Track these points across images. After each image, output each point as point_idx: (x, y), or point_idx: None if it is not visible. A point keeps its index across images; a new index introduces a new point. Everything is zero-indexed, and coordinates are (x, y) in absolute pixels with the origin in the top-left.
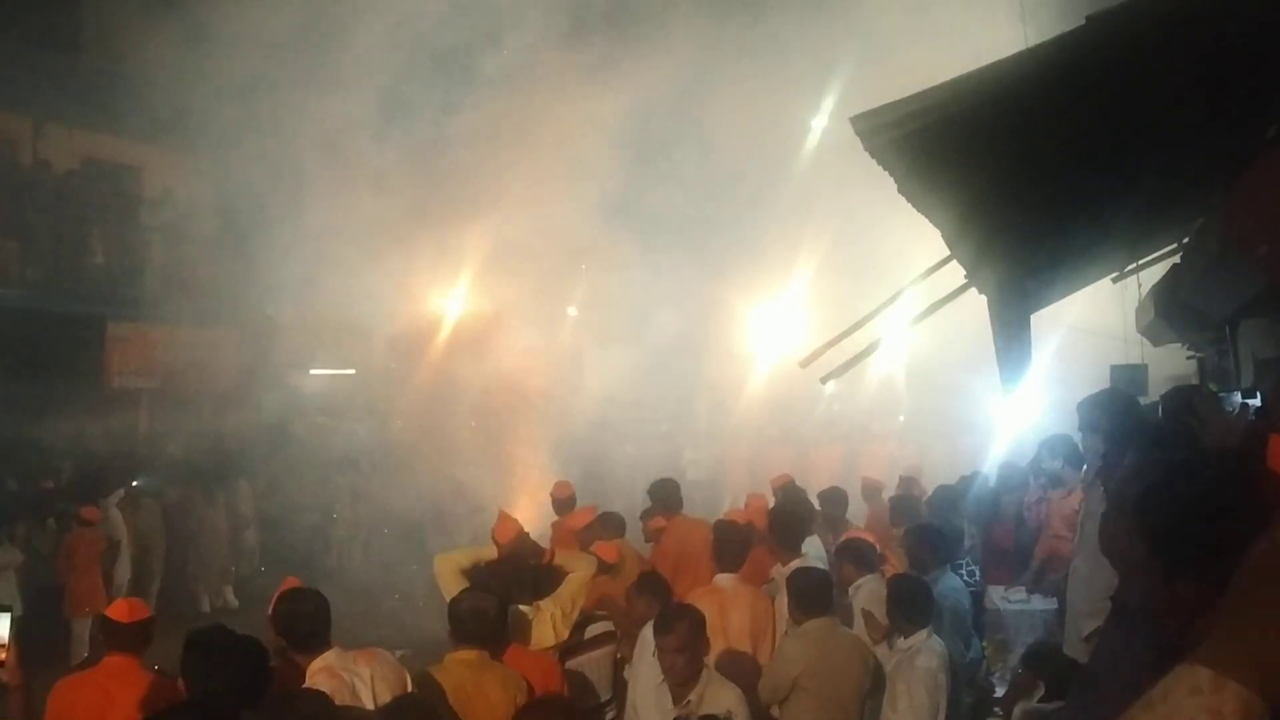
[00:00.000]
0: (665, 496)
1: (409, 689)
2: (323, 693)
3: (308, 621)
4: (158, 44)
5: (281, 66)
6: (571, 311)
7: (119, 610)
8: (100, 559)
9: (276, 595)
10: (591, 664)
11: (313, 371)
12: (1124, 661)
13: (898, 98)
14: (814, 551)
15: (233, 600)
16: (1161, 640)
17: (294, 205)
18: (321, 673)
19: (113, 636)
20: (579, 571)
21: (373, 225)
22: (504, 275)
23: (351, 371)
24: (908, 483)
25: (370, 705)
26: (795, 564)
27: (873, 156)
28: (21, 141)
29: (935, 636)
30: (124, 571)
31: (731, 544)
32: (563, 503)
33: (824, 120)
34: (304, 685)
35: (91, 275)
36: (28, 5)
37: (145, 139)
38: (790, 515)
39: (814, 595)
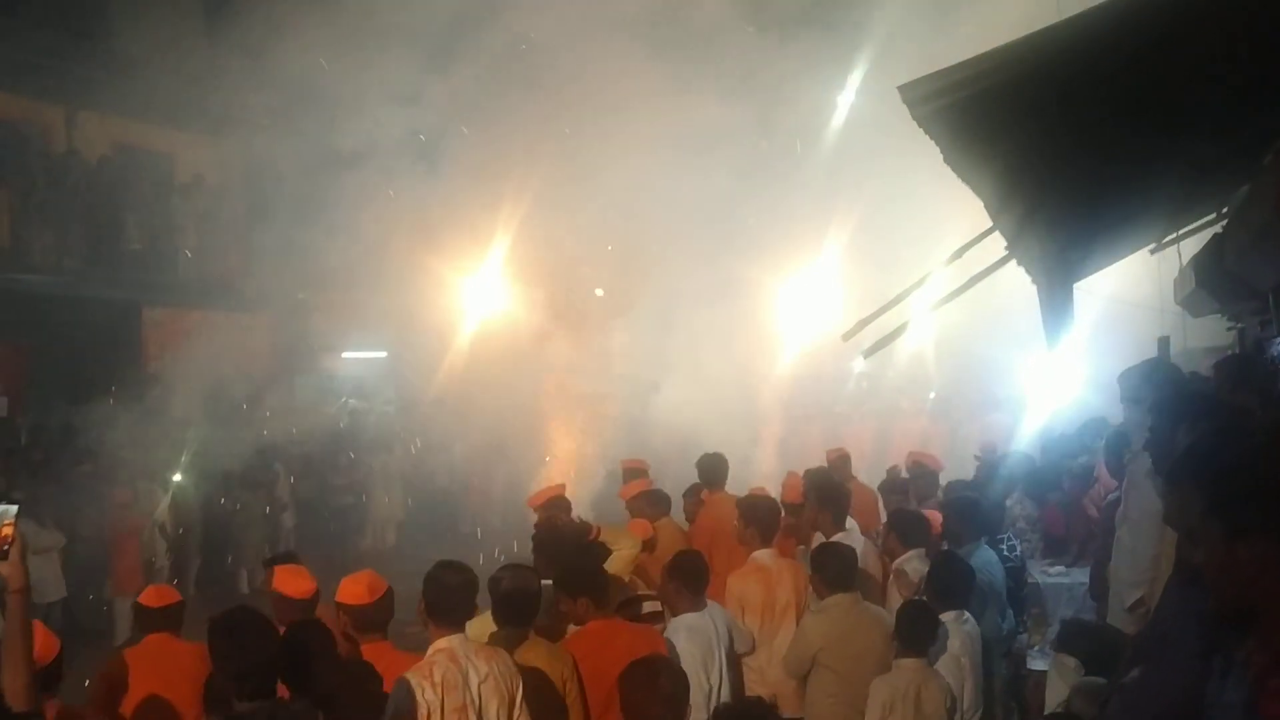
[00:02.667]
0: (711, 471)
1: (519, 698)
2: (367, 668)
3: (450, 595)
4: (187, 31)
5: (310, 52)
6: (599, 292)
7: (148, 596)
8: (139, 541)
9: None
10: None
11: (345, 355)
12: (1193, 624)
13: (922, 72)
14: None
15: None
16: (1218, 603)
17: (325, 189)
18: (442, 653)
19: (145, 620)
20: (624, 550)
21: (404, 208)
22: (532, 257)
23: (384, 355)
24: (920, 456)
25: (475, 702)
26: (838, 538)
27: (920, 125)
28: (55, 130)
29: (968, 617)
30: (163, 553)
31: (763, 516)
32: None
33: (852, 96)
34: (426, 657)
35: (127, 261)
36: None
37: (176, 125)
38: (841, 489)
39: (837, 571)
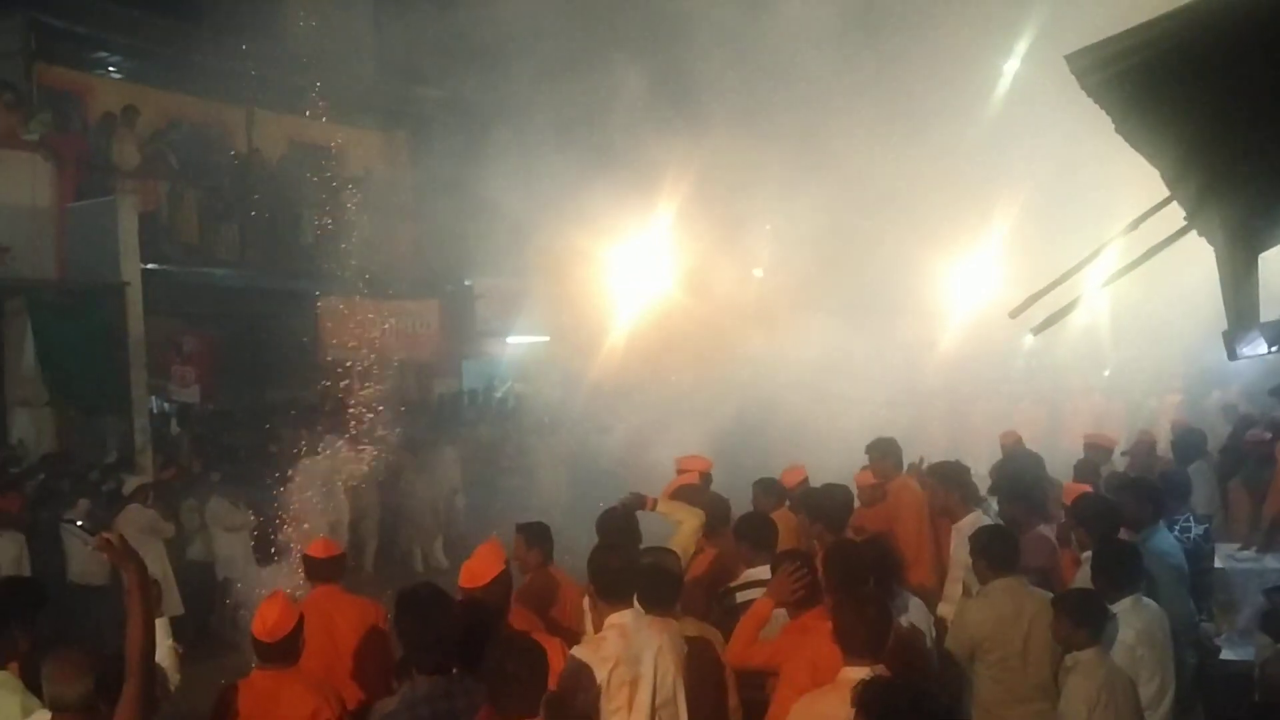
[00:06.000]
0: (883, 455)
1: (684, 658)
2: (535, 647)
3: (613, 576)
4: (355, 30)
5: (473, 46)
6: (758, 273)
7: (315, 548)
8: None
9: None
10: None
11: (510, 339)
12: None
13: (1092, 37)
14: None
15: (443, 560)
16: None
17: (487, 178)
18: (614, 629)
19: (314, 570)
20: (687, 523)
21: (564, 195)
22: (691, 239)
23: (546, 339)
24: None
25: (650, 673)
26: (969, 519)
27: (1089, 95)
28: (237, 130)
29: (1144, 604)
30: (342, 534)
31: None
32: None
33: (1018, 64)
34: (599, 634)
35: (303, 253)
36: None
37: (346, 121)
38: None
39: (1000, 553)
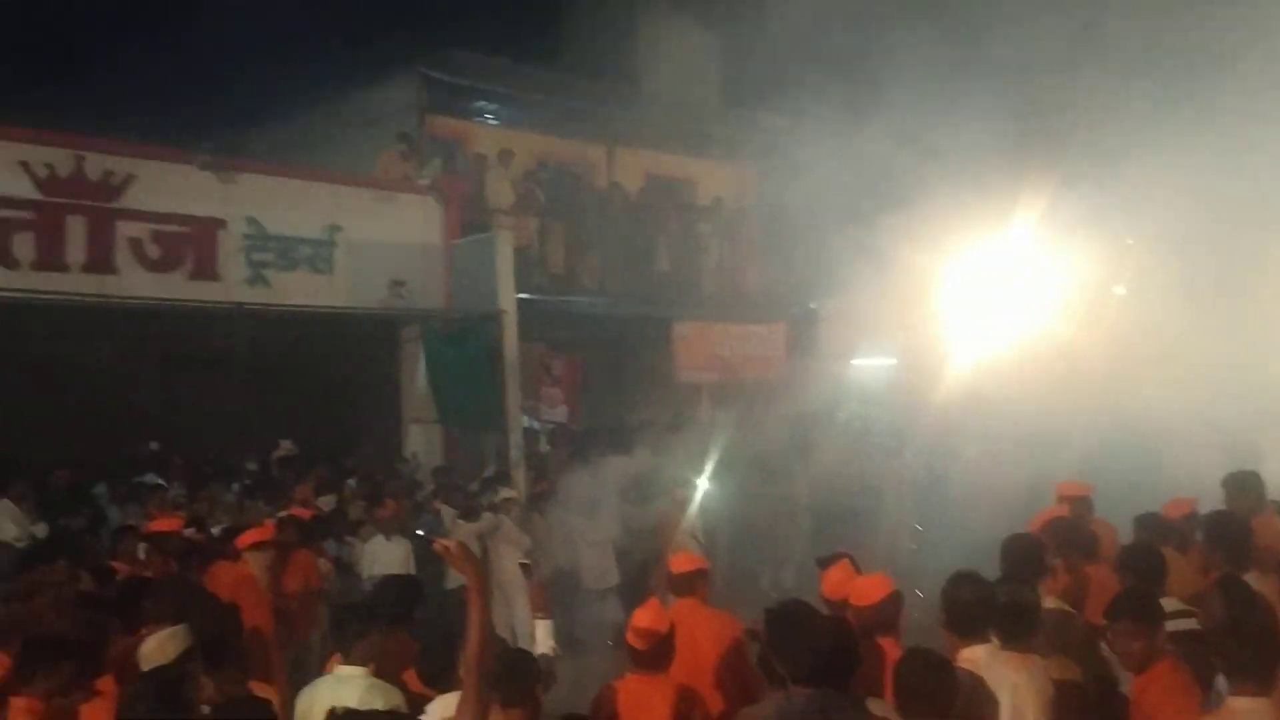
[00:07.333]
0: (1240, 489)
1: (1050, 700)
2: (947, 664)
3: (964, 608)
4: (700, 66)
5: (810, 74)
6: (1119, 290)
7: (679, 563)
8: (676, 539)
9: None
10: None
11: (854, 362)
12: None
13: None
14: None
15: (788, 580)
16: None
17: (831, 201)
18: (966, 664)
19: (677, 583)
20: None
21: (910, 215)
22: (1046, 257)
23: (892, 362)
24: None
25: (1007, 711)
26: None
27: None
28: (598, 166)
29: None
30: (697, 551)
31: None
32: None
33: None
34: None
35: (658, 281)
36: (594, 42)
37: (695, 153)
38: None
39: None
